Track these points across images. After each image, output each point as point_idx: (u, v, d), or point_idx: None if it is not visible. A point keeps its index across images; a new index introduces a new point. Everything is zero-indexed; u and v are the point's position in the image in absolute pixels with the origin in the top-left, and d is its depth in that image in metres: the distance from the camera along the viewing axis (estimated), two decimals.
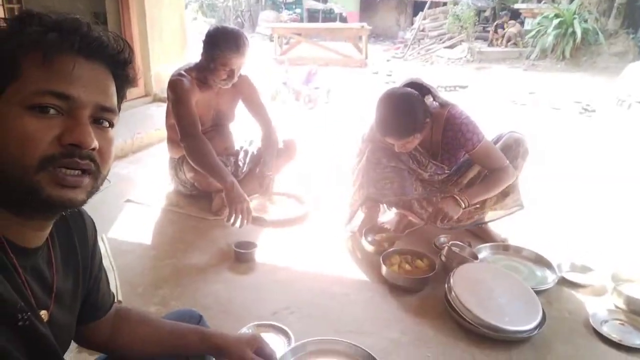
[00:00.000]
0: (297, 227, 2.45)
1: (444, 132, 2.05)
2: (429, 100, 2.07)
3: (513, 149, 2.12)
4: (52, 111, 0.63)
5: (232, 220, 2.19)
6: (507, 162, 2.04)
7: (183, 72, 2.40)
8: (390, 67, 9.89)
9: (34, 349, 0.68)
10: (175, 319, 1.07)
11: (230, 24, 18.16)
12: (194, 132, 2.32)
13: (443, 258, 2.02)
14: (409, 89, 1.98)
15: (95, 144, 0.66)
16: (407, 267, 2.00)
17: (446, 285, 1.78)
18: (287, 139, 2.78)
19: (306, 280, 1.99)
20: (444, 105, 2.05)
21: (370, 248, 2.13)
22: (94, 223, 0.93)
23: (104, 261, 1.90)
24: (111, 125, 0.72)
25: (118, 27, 4.19)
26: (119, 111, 0.77)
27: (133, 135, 3.41)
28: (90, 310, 0.93)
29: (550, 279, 1.98)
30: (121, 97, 0.76)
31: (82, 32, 0.67)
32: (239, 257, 2.09)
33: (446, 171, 2.18)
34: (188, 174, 2.52)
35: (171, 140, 2.55)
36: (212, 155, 2.30)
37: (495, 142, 2.16)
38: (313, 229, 2.43)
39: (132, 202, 2.63)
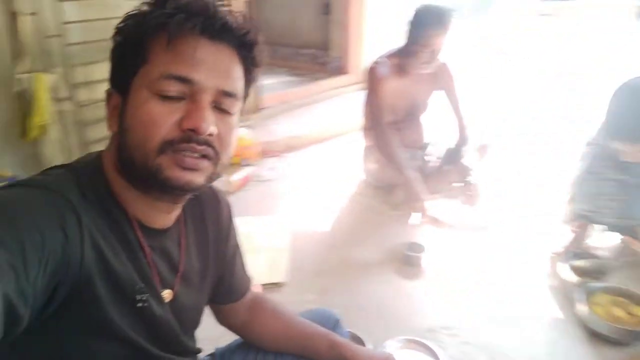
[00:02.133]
0: (481, 234, 2.15)
1: None
2: None
3: None
4: (175, 95, 0.63)
5: (407, 218, 2.06)
6: None
7: (383, 59, 2.33)
8: None
9: (151, 329, 0.71)
10: (310, 318, 1.03)
11: None
12: (379, 122, 2.28)
13: None
14: None
15: (213, 129, 0.65)
16: (618, 311, 1.54)
17: None
18: (485, 136, 2.48)
19: (478, 299, 1.72)
20: None
21: (570, 277, 1.71)
22: (229, 206, 0.94)
23: (281, 240, 1.99)
24: (234, 111, 0.69)
25: (341, 15, 4.40)
26: (247, 97, 0.75)
27: (336, 121, 3.53)
28: (224, 293, 0.95)
29: None
30: (249, 80, 0.73)
31: (206, 13, 0.65)
32: (407, 260, 1.94)
33: None
34: (373, 164, 2.48)
35: (364, 128, 2.54)
36: (395, 147, 2.23)
37: None
38: (501, 239, 2.10)
39: (321, 186, 2.72)
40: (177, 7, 0.64)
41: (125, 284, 0.66)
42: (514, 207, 2.33)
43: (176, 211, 0.76)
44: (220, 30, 0.65)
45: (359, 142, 2.64)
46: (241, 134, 3.14)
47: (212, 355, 1.01)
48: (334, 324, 1.07)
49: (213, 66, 0.65)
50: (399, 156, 2.20)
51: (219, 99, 0.66)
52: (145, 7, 0.65)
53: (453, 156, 2.48)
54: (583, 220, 1.79)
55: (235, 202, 2.48)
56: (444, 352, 1.43)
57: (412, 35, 2.21)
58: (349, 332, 1.49)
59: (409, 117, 2.49)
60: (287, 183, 2.78)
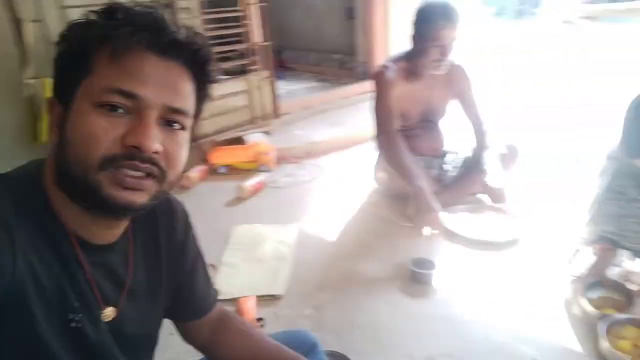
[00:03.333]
0: (499, 252, 1.99)
1: None
2: None
3: None
4: (119, 110, 0.60)
5: (417, 230, 1.95)
6: None
7: (390, 63, 2.25)
8: None
9: (86, 351, 0.67)
10: (284, 340, 0.97)
11: (510, 11, 17.01)
12: (387, 128, 2.18)
13: None
14: None
15: (158, 147, 0.62)
16: None
17: None
18: (511, 144, 2.32)
19: (486, 326, 1.58)
20: None
21: (590, 309, 1.54)
22: (187, 217, 0.89)
23: (285, 250, 1.92)
24: (183, 127, 0.66)
25: (365, 20, 4.31)
26: (199, 114, 0.72)
27: (359, 128, 3.43)
28: (184, 309, 0.91)
29: None
30: (202, 97, 0.71)
31: (155, 27, 0.62)
32: (414, 277, 1.82)
33: None
34: (382, 173, 2.37)
35: (374, 136, 2.44)
36: (403, 155, 2.12)
37: None
38: (519, 260, 1.94)
39: (335, 194, 2.63)
40: (124, 19, 0.61)
41: (58, 304, 0.62)
42: (537, 223, 2.16)
43: (120, 227, 0.72)
44: (168, 46, 0.63)
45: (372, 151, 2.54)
46: (258, 140, 3.11)
47: None
48: (309, 348, 1.01)
49: (160, 82, 0.62)
50: (407, 165, 2.09)
51: (167, 116, 0.64)
52: (92, 16, 0.63)
53: (472, 165, 2.34)
54: (606, 243, 1.61)
55: (247, 208, 2.50)
56: None
57: (419, 33, 2.14)
58: (337, 352, 1.41)
59: (425, 123, 2.38)
60: (303, 190, 2.72)
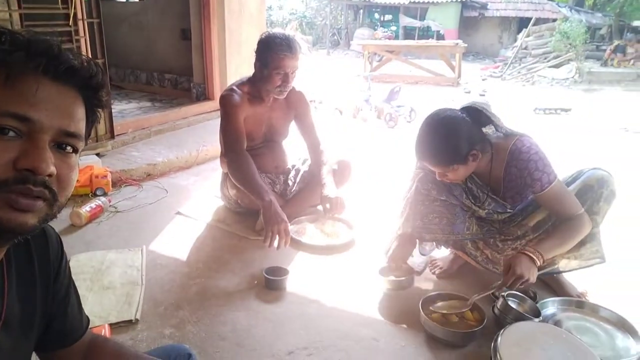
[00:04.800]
0: (338, 255, 2.28)
1: (506, 167, 1.75)
2: (490, 129, 1.80)
3: (595, 189, 1.76)
4: (11, 133, 0.60)
5: (268, 242, 2.09)
6: (582, 209, 1.70)
7: (235, 87, 2.38)
8: (486, 86, 9.33)
9: None
10: (159, 355, 0.99)
11: (327, 42, 18.79)
12: (236, 148, 2.29)
13: (496, 310, 1.72)
14: (459, 113, 1.72)
15: (52, 170, 0.62)
16: (453, 317, 1.74)
17: (492, 345, 1.49)
18: (342, 160, 2.63)
19: (334, 317, 1.80)
20: (508, 136, 1.75)
21: (386, 287, 1.91)
22: (60, 244, 0.88)
23: (135, 274, 1.84)
24: (75, 151, 0.67)
25: (200, 41, 4.37)
26: (89, 136, 0.74)
27: (199, 148, 3.47)
28: (56, 337, 0.88)
29: (635, 350, 1.59)
30: (92, 121, 0.72)
31: (50, 53, 0.63)
32: (268, 284, 1.97)
33: (508, 210, 1.87)
34: (231, 190, 2.48)
35: (221, 155, 2.54)
36: (252, 173, 2.24)
37: (574, 180, 1.82)
38: (355, 260, 2.24)
39: (182, 214, 2.63)
40: (17, 45, 0.62)
41: None
42: (371, 227, 2.51)
43: (1, 253, 0.70)
44: (64, 72, 0.64)
45: (218, 168, 2.63)
46: (91, 163, 2.92)
47: None
48: (186, 359, 1.04)
49: (55, 106, 0.63)
50: (257, 182, 2.21)
51: (60, 139, 0.65)
52: None
53: (310, 179, 2.58)
54: (414, 236, 1.97)
55: (86, 234, 2.35)
56: None
57: (262, 61, 2.29)
58: None
59: (268, 142, 2.55)
60: (146, 212, 2.65)
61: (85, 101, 0.70)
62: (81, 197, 2.72)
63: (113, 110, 4.19)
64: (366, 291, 1.97)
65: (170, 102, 4.80)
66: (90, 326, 1.57)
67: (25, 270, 0.78)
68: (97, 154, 3.12)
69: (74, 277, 1.96)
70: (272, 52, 2.23)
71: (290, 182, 2.61)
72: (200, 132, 3.86)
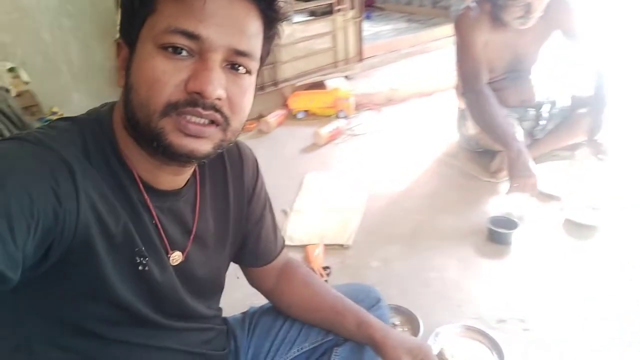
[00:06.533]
0: (591, 220, 1.78)
1: None
2: None
3: None
4: (184, 52, 0.57)
5: (508, 192, 1.80)
6: None
7: (473, 4, 1.96)
8: None
9: (153, 293, 0.69)
10: (347, 293, 0.95)
11: None
12: (475, 87, 1.94)
13: None
14: None
15: (220, 93, 0.58)
16: None
17: None
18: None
19: (566, 294, 1.45)
20: None
21: None
22: (256, 165, 0.88)
23: (355, 200, 1.85)
24: (249, 71, 0.62)
25: None
26: (267, 54, 0.67)
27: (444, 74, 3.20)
28: (250, 257, 0.92)
29: None
30: (270, 37, 0.66)
31: None
32: (491, 235, 1.71)
33: None
34: (471, 130, 2.17)
35: (457, 89, 2.23)
36: (496, 116, 1.88)
37: None
38: (613, 232, 1.73)
39: (416, 144, 2.51)
40: None
41: (125, 247, 0.64)
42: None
43: (186, 174, 0.72)
44: None
45: (454, 102, 2.34)
46: (338, 85, 3.03)
47: (244, 313, 0.99)
48: (373, 303, 0.98)
49: (225, 21, 0.58)
50: (502, 126, 1.87)
51: (232, 58, 0.59)
52: None
53: (567, 113, 2.07)
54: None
55: (323, 154, 2.48)
56: (507, 348, 1.24)
57: None
58: (402, 308, 1.38)
59: (513, 74, 2.10)
60: (380, 139, 2.63)
61: (261, 14, 0.62)
62: (327, 117, 2.88)
63: (369, 33, 4.25)
64: (613, 277, 1.51)
65: (426, 23, 4.55)
66: (307, 243, 1.73)
67: (219, 190, 0.80)
68: (346, 77, 3.21)
69: (305, 194, 2.14)
70: None
71: (542, 118, 2.15)
72: (450, 55, 3.54)
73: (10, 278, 0.48)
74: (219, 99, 0.59)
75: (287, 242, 1.69)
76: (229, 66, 0.60)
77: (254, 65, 0.63)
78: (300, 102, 2.92)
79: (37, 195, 0.51)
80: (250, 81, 0.63)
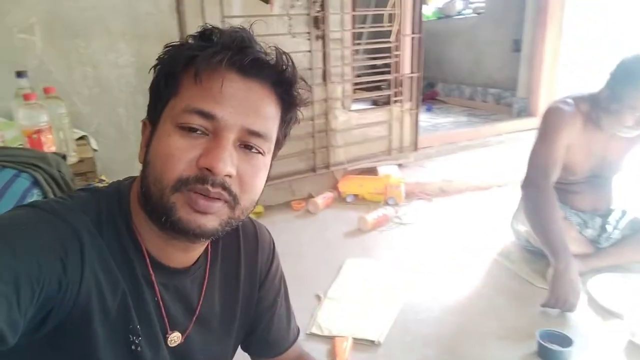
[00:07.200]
0: None
1: None
2: None
3: None
4: (198, 131, 0.59)
5: (546, 304, 1.69)
6: None
7: (569, 101, 1.87)
8: None
9: None
10: None
11: None
12: (540, 182, 1.82)
13: None
14: None
15: (229, 170, 0.59)
16: None
17: None
18: None
19: None
20: None
21: None
22: (272, 247, 0.86)
23: (395, 294, 1.86)
24: (262, 152, 0.63)
25: (531, 51, 3.96)
26: (284, 137, 0.69)
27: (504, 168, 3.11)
28: (258, 345, 0.87)
29: None
30: (287, 120, 0.68)
31: (238, 46, 0.60)
32: (542, 352, 1.51)
33: None
34: (521, 225, 2.03)
35: (522, 181, 2.12)
36: (553, 220, 1.76)
37: None
38: None
39: (466, 239, 2.39)
40: (211, 40, 0.61)
41: (119, 322, 0.62)
42: None
43: (196, 251, 0.71)
44: (250, 65, 0.60)
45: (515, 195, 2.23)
46: (390, 172, 3.02)
47: None
48: None
49: (240, 103, 0.60)
50: (556, 233, 1.73)
51: (245, 138, 0.61)
52: (190, 40, 0.63)
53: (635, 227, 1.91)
54: None
55: (366, 241, 2.42)
56: None
57: (616, 92, 1.72)
58: None
59: (595, 179, 1.96)
60: (428, 230, 2.53)
61: (278, 99, 0.64)
62: (376, 203, 2.84)
63: (428, 124, 4.31)
64: None
65: (487, 118, 4.55)
66: (336, 334, 1.63)
67: (230, 269, 0.78)
68: (399, 165, 3.20)
69: (341, 280, 2.05)
70: (633, 87, 1.66)
71: (608, 227, 1.97)
72: (508, 151, 3.46)
73: (8, 341, 0.48)
74: (229, 175, 0.59)
75: (314, 331, 1.66)
76: (242, 146, 0.61)
77: (268, 146, 0.64)
78: (350, 185, 2.93)
79: (46, 263, 0.52)
80: (263, 162, 0.64)
